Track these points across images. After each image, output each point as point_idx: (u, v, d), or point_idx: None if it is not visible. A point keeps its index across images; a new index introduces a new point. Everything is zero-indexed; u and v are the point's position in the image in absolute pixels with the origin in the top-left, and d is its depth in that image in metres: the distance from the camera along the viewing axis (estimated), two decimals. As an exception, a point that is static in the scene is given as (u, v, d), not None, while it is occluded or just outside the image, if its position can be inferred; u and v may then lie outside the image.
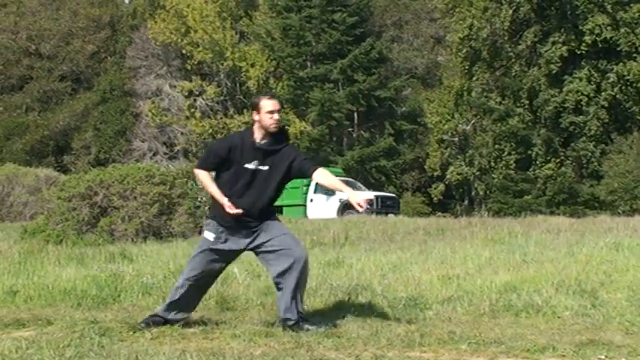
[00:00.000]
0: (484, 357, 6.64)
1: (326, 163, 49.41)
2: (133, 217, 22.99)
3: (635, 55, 50.56)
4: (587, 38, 50.55)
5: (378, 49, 59.99)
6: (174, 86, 62.99)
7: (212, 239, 8.33)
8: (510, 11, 52.36)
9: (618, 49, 50.78)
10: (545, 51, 51.61)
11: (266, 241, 8.26)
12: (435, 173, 58.53)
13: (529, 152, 52.68)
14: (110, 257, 14.95)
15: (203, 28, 60.07)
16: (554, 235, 18.95)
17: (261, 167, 8.27)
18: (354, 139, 60.76)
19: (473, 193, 57.31)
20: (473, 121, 55.49)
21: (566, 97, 50.89)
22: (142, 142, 62.83)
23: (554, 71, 51.09)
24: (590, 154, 50.98)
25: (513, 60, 54.62)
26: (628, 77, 50.25)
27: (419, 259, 13.67)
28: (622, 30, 50.58)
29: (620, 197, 46.77)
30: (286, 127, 8.73)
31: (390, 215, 37.01)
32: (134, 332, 8.08)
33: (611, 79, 50.72)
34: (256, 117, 8.34)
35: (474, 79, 54.92)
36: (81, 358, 6.88)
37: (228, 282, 10.89)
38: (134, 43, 64.46)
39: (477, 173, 54.33)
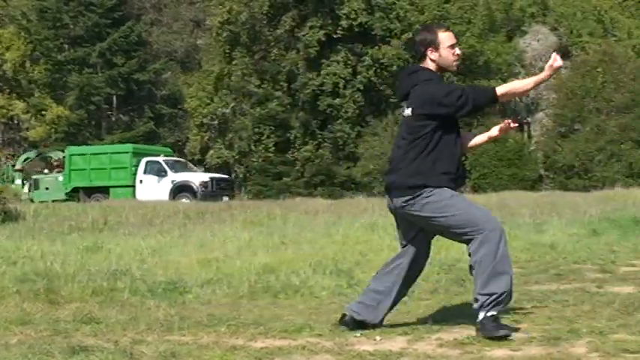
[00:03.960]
0: (243, 338, 6.69)
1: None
2: None
3: (389, 39, 51.99)
4: (344, 22, 51.60)
5: (137, 33, 59.35)
6: None
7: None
8: (269, -5, 52.86)
9: (373, 33, 52.09)
10: (303, 35, 52.33)
11: None
12: (195, 157, 58.46)
13: (288, 135, 53.29)
14: None
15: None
16: (312, 216, 19.31)
17: None
18: (113, 123, 59.87)
19: (233, 176, 57.57)
20: (232, 105, 55.58)
21: (324, 81, 51.79)
22: None
23: (312, 55, 51.89)
24: (346, 136, 52.06)
25: (272, 44, 55.08)
26: (383, 61, 51.63)
27: (179, 242, 13.66)
28: (377, 15, 51.94)
29: (375, 178, 48.05)
30: None
31: (224, 198, 36.38)
32: None
33: (367, 63, 51.97)
34: (432, 55, 6.76)
35: (234, 62, 55.01)
36: None
37: (-18, 270, 10.54)
38: None
39: (237, 156, 54.54)
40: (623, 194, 28.33)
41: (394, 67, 51.48)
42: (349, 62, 52.27)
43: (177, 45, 67.62)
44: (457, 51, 6.78)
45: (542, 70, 6.71)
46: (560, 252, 12.66)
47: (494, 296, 6.40)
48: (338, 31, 51.87)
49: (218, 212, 22.15)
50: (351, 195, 39.33)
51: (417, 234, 6.87)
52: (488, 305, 6.41)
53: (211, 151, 56.15)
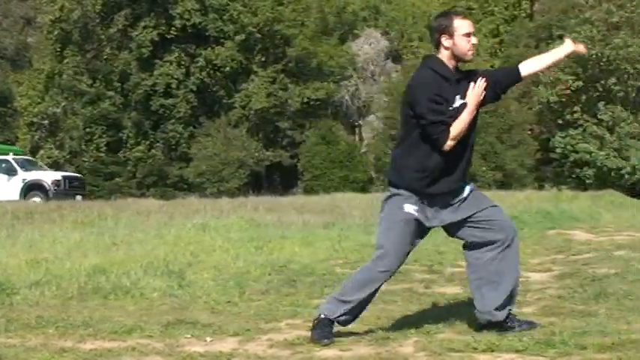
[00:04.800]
0: (72, 340, 6.61)
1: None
2: None
3: (222, 40, 52.03)
4: (177, 23, 51.44)
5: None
6: None
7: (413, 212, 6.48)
8: (101, -6, 52.26)
9: (207, 34, 52.08)
10: (137, 35, 51.88)
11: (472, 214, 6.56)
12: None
13: (120, 135, 52.78)
14: None
15: None
16: (144, 217, 19.14)
17: (464, 101, 6.43)
18: None
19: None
20: (63, 104, 54.60)
21: (157, 81, 51.53)
22: None
23: (145, 55, 51.51)
24: (179, 136, 51.87)
25: (105, 43, 54.41)
26: (216, 62, 51.65)
27: (6, 243, 13.36)
28: (210, 16, 51.96)
29: (208, 179, 48.09)
30: None
31: (77, 197, 35.24)
32: None
33: (200, 64, 51.90)
34: (446, 42, 6.45)
35: (65, 61, 54.11)
36: None
37: None
38: None
39: (68, 156, 53.60)
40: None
41: (227, 69, 51.60)
42: (182, 63, 52.12)
43: (6, 42, 66.11)
44: (473, 40, 6.49)
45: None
46: (390, 253, 12.85)
47: (333, 315, 6.52)
48: (171, 32, 51.68)
49: (48, 212, 21.69)
50: (184, 196, 39.14)
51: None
52: (328, 313, 6.52)
53: (42, 151, 54.98)
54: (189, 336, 6.71)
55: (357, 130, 55.55)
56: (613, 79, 45.95)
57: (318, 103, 52.13)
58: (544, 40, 51.42)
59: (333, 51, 54.09)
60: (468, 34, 6.44)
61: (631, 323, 6.70)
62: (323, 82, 52.33)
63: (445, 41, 6.43)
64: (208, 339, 6.59)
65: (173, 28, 51.70)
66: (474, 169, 45.55)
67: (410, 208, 6.42)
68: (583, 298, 8.12)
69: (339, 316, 6.52)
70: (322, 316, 6.50)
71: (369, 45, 55.53)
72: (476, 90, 6.41)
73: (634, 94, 47.33)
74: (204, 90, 52.49)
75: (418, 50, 54.43)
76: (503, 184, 43.37)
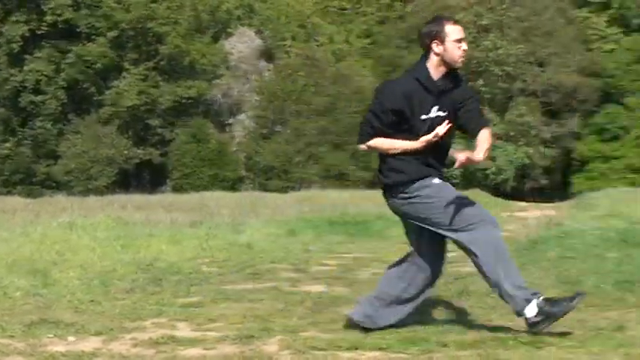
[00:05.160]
0: None
1: None
2: None
3: (94, 36, 51.46)
4: (49, 18, 50.73)
5: None
6: None
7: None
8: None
9: (78, 30, 51.44)
10: (6, 30, 51.00)
11: None
12: None
13: (-13, 131, 51.83)
14: None
15: None
16: (10, 215, 18.86)
17: (441, 114, 6.30)
18: None
19: None
20: None
21: (27, 77, 50.73)
22: None
23: (14, 50, 50.66)
24: (47, 133, 51.16)
25: (-27, 38, 53.35)
26: (87, 58, 51.04)
27: None
28: (83, 11, 51.36)
29: (76, 177, 47.52)
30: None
31: None
32: None
33: (71, 60, 51.24)
34: (437, 48, 6.30)
35: None
36: None
37: None
38: None
39: None
40: (320, 195, 29.15)
41: (99, 65, 51.05)
42: (53, 59, 51.39)
43: None
44: (464, 46, 6.32)
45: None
46: (257, 252, 12.93)
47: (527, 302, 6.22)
48: (43, 27, 50.91)
49: None
50: (51, 194, 38.63)
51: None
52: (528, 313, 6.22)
53: None
54: (51, 336, 6.63)
55: (228, 128, 55.45)
56: (481, 81, 46.86)
57: (189, 101, 51.95)
58: (415, 42, 52.21)
59: (206, 49, 53.91)
60: (459, 40, 6.31)
61: (492, 320, 6.86)
62: (195, 80, 52.17)
63: (436, 47, 6.30)
64: (71, 338, 6.53)
65: (44, 24, 50.99)
66: (342, 168, 46.17)
67: (437, 180, 6.34)
68: (446, 296, 8.27)
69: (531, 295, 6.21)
70: (530, 319, 6.16)
71: (242, 44, 55.52)
72: (430, 137, 6.22)
73: (501, 96, 48.36)
74: (74, 87, 51.86)
75: (291, 49, 54.71)
76: (373, 184, 43.84)
